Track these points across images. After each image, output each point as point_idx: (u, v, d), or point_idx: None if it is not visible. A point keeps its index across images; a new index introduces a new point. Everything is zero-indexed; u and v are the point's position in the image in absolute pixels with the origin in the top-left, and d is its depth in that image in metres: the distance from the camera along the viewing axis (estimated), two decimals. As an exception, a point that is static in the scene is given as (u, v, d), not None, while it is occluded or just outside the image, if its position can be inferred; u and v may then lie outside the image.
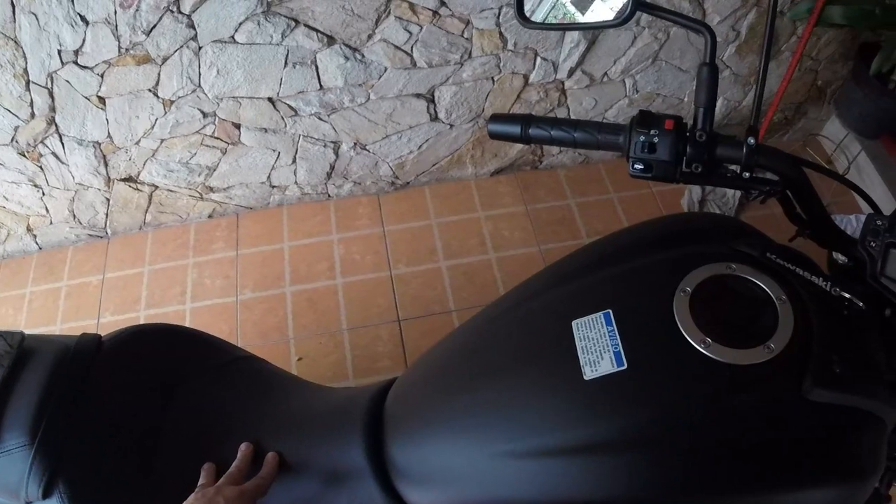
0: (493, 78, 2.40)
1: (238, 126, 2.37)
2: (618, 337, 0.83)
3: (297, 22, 2.04)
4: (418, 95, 2.38)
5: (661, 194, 2.84)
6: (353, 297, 2.51)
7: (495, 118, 0.96)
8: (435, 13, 2.11)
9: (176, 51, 2.05)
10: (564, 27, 0.91)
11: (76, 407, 1.07)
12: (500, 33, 2.23)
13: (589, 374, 0.81)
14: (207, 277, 2.61)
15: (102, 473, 1.07)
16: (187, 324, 2.47)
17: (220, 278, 2.60)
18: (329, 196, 2.78)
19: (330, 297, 2.52)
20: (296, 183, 2.66)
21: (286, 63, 2.16)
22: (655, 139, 0.85)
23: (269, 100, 2.28)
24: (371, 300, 2.49)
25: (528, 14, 0.97)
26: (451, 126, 2.56)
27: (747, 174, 0.84)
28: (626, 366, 0.80)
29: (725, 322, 0.80)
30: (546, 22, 0.99)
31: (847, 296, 0.81)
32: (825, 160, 3.04)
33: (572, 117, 0.98)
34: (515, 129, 0.95)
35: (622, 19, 0.89)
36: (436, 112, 2.47)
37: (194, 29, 2.00)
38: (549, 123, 0.93)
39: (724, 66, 2.65)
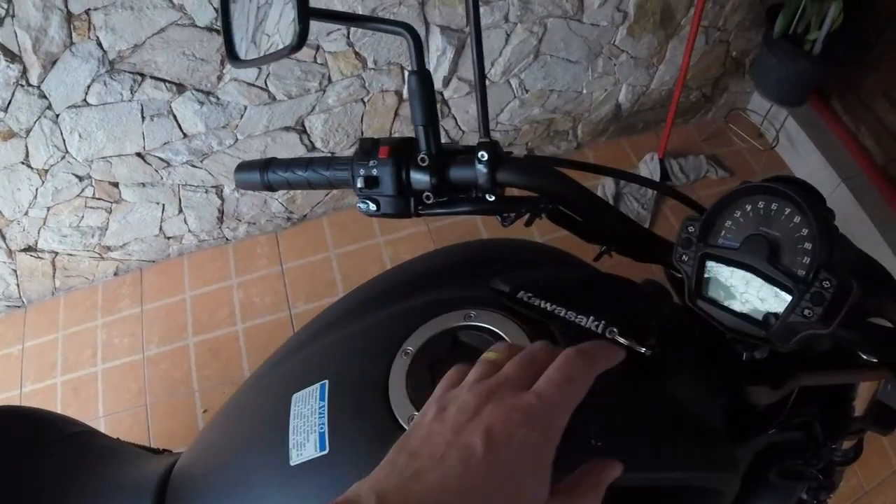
0: (363, 99, 2.29)
1: (116, 184, 2.30)
2: (326, 414, 0.69)
3: (142, 76, 1.96)
4: (287, 129, 2.28)
5: (447, 227, 2.69)
6: (253, 342, 2.44)
7: (240, 167, 0.85)
8: (280, 43, 2.00)
9: (35, 122, 1.98)
10: (268, 59, 0.75)
11: None
12: (356, 52, 2.12)
13: (294, 458, 0.68)
14: (116, 336, 2.54)
15: None
16: (99, 386, 2.43)
17: (127, 336, 2.53)
18: (227, 240, 2.69)
19: (231, 344, 2.44)
20: (189, 231, 2.58)
21: (143, 117, 2.08)
22: (374, 171, 0.73)
23: (138, 155, 2.21)
24: (272, 343, 2.35)
25: (240, 54, 0.82)
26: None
27: (491, 196, 0.73)
28: (327, 450, 0.66)
29: None
30: (258, 57, 0.84)
31: (623, 341, 0.64)
32: (753, 135, 2.88)
33: (312, 156, 0.85)
34: (256, 178, 0.83)
35: (295, 42, 0.69)
36: (311, 142, 2.37)
37: (47, 98, 1.93)
38: (285, 166, 0.82)
39: (620, 50, 2.52)
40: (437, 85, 2.30)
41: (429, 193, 0.73)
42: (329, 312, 0.91)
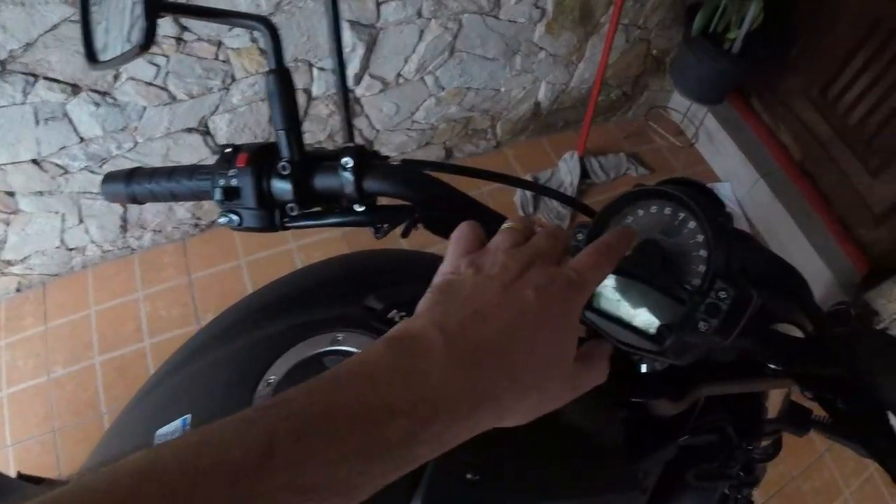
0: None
1: (12, 194, 2.16)
2: None
3: (35, 76, 1.84)
4: (190, 130, 2.18)
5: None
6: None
7: (106, 178, 0.78)
8: (179, 40, 1.91)
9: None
10: (121, 61, 0.65)
11: None
12: (261, 49, 2.04)
13: None
14: (20, 358, 2.39)
15: None
16: (5, 413, 2.27)
17: (31, 357, 2.38)
18: (132, 249, 2.56)
19: (139, 361, 2.31)
20: (92, 242, 2.45)
21: (37, 121, 1.95)
22: (234, 181, 0.67)
23: (34, 161, 2.07)
24: (181, 359, 2.27)
25: (98, 55, 0.73)
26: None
27: (360, 207, 0.67)
28: None
29: None
30: (112, 58, 0.75)
31: None
32: (673, 132, 2.88)
33: (172, 166, 0.77)
34: (121, 190, 0.76)
35: (142, 41, 0.60)
36: (216, 144, 2.27)
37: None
38: (148, 176, 0.75)
39: (538, 48, 2.49)
40: (349, 82, 2.22)
41: (292, 204, 0.67)
42: (196, 338, 0.85)
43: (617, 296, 0.57)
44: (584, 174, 2.74)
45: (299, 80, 2.18)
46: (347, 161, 0.64)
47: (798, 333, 0.67)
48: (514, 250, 0.48)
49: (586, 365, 0.49)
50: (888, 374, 0.52)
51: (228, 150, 0.68)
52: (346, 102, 0.72)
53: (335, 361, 0.62)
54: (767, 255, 0.64)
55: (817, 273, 2.65)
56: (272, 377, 0.65)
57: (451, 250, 0.51)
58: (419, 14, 2.15)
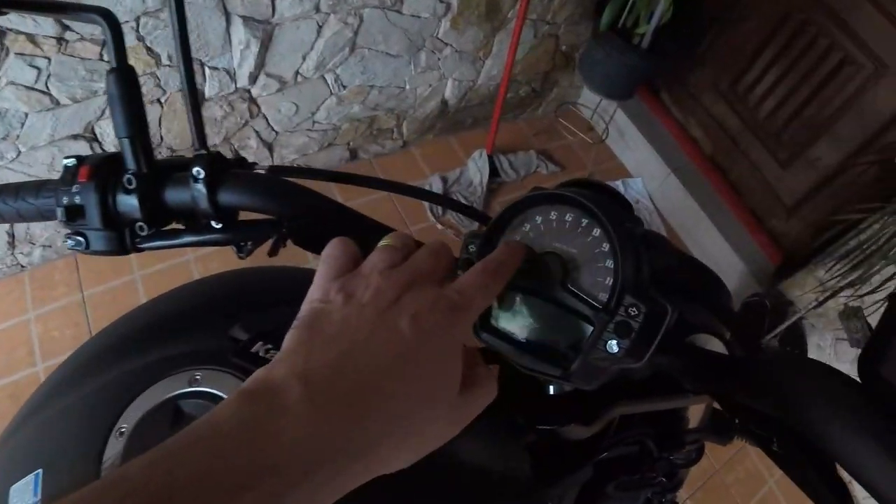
0: (159, 100, 2.08)
1: None
2: None
3: None
4: (76, 136, 2.04)
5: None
6: None
7: None
8: (60, 40, 1.78)
9: None
10: None
11: None
12: (148, 48, 1.91)
13: None
14: None
15: None
16: None
17: (-79, 388, 2.20)
18: (22, 267, 2.40)
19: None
20: (-24, 260, 2.29)
21: None
22: (77, 198, 0.58)
23: None
24: (73, 382, 2.13)
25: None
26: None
27: (218, 224, 0.59)
28: None
29: None
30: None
31: None
32: (584, 129, 2.87)
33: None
34: None
35: None
36: (104, 151, 2.13)
37: None
38: None
39: (444, 44, 2.42)
40: (243, 81, 2.12)
41: (142, 223, 0.59)
42: (52, 378, 0.73)
43: (515, 315, 0.50)
44: (494, 173, 2.70)
45: (190, 81, 2.07)
46: (198, 171, 0.56)
47: (718, 345, 0.61)
48: (391, 271, 0.44)
49: (472, 391, 0.44)
50: (833, 417, 0.43)
51: (70, 162, 0.59)
52: (195, 101, 0.63)
53: (193, 406, 0.56)
54: (680, 257, 0.57)
55: (731, 266, 2.66)
56: (124, 426, 0.56)
57: (320, 272, 0.46)
58: (317, 9, 2.06)
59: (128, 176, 0.57)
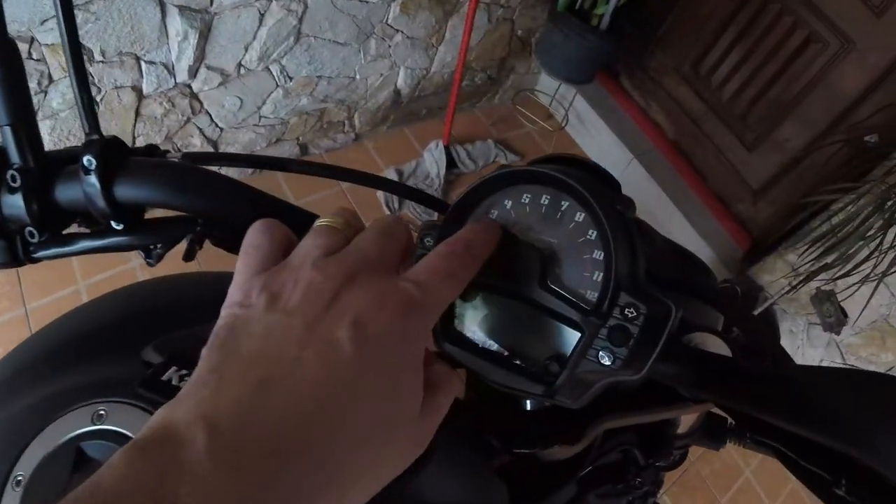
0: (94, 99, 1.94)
1: None
2: None
3: None
4: (4, 139, 1.90)
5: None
6: None
7: None
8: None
9: None
10: None
11: None
12: (82, 43, 1.78)
13: None
14: None
15: None
16: None
17: None
18: (-43, 281, 2.27)
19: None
20: None
21: None
22: None
23: None
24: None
25: None
26: None
27: (118, 224, 0.49)
28: None
29: None
30: None
31: None
32: (543, 116, 2.80)
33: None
34: None
35: None
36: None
37: None
38: None
39: (394, 30, 2.33)
40: (183, 76, 2.00)
41: (31, 228, 0.49)
42: None
43: (485, 319, 0.41)
44: (451, 164, 2.63)
45: (126, 77, 1.94)
46: (90, 161, 0.46)
47: (721, 345, 0.50)
48: (327, 261, 0.35)
49: (433, 398, 0.35)
50: None
51: None
52: (84, 79, 0.51)
53: (97, 449, 0.46)
54: (665, 242, 0.48)
55: (698, 252, 2.55)
56: (20, 474, 0.46)
57: (240, 267, 0.37)
58: (254, -3, 1.95)
59: (11, 172, 0.47)
